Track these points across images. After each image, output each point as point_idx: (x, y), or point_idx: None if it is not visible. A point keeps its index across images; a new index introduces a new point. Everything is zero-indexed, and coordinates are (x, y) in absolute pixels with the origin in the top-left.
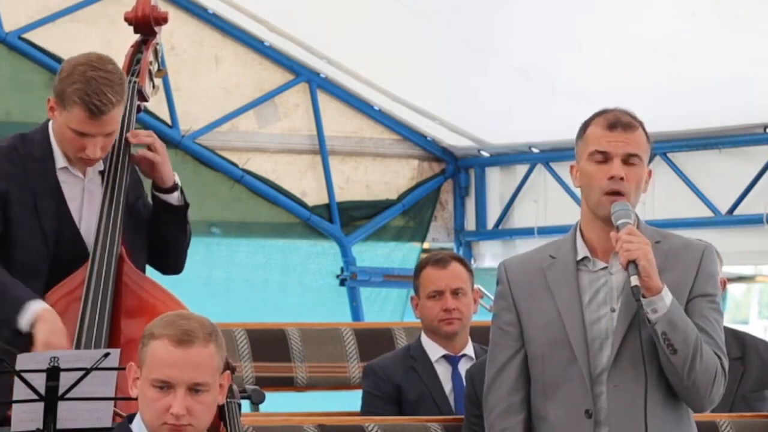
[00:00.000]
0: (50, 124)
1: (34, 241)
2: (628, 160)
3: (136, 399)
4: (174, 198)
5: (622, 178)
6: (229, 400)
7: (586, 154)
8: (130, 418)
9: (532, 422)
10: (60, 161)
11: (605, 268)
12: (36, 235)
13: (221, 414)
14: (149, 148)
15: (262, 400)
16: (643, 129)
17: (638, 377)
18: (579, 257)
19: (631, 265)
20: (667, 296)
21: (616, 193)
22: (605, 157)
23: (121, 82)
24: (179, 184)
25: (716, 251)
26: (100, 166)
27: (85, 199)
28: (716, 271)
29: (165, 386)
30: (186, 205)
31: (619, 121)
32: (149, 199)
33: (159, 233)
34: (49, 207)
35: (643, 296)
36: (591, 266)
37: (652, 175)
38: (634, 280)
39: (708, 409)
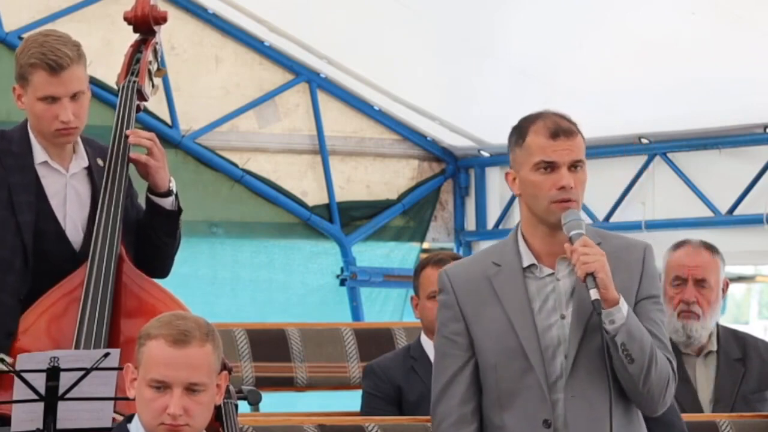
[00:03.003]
0: (28, 121)
1: (7, 234)
2: (573, 165)
3: (134, 399)
4: (167, 203)
5: (572, 187)
6: (226, 400)
7: (531, 164)
8: (129, 418)
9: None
10: (39, 156)
11: (552, 274)
12: (8, 228)
13: (218, 415)
14: (148, 151)
15: (258, 400)
16: (579, 130)
17: (594, 384)
18: (525, 264)
19: (589, 277)
20: (624, 306)
21: (566, 201)
22: (551, 167)
23: (76, 44)
24: (174, 190)
25: (718, 251)
26: (84, 162)
27: (68, 196)
28: (657, 270)
29: (162, 386)
30: (179, 211)
31: (560, 128)
32: (143, 200)
33: (147, 236)
34: (26, 201)
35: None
36: (538, 273)
37: (652, 176)
38: (594, 294)
39: (661, 411)
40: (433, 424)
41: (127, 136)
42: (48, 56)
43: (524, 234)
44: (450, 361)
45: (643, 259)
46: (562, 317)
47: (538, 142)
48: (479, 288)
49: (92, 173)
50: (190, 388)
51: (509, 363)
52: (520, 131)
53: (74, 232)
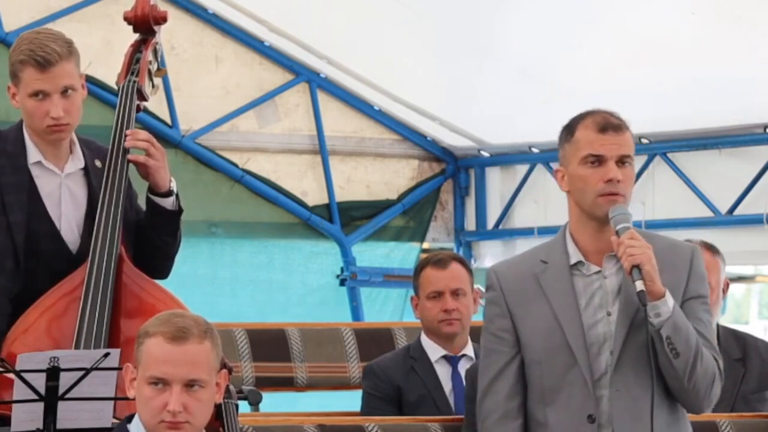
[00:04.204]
0: (23, 120)
1: None
2: (621, 161)
3: (134, 399)
4: (168, 203)
5: (619, 181)
6: (226, 400)
7: (579, 158)
8: (129, 418)
9: (529, 428)
10: (33, 156)
11: (599, 272)
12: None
13: (219, 414)
14: (146, 152)
15: (259, 400)
16: (628, 127)
17: (638, 380)
18: (572, 262)
19: (635, 270)
20: (669, 300)
21: (614, 195)
22: (599, 160)
23: (68, 41)
24: (175, 190)
25: (718, 251)
26: (81, 162)
27: (63, 196)
28: (705, 271)
29: (161, 383)
30: (180, 211)
31: (609, 123)
32: (143, 200)
33: (148, 236)
34: (18, 201)
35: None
36: (585, 270)
37: (652, 176)
38: (640, 285)
39: (706, 410)
40: (478, 419)
41: (127, 136)
42: (36, 52)
43: (572, 232)
44: (496, 357)
45: (691, 260)
46: (608, 314)
47: (587, 136)
48: (526, 285)
49: (89, 174)
50: (190, 385)
51: (554, 359)
52: (569, 128)
53: (69, 233)
